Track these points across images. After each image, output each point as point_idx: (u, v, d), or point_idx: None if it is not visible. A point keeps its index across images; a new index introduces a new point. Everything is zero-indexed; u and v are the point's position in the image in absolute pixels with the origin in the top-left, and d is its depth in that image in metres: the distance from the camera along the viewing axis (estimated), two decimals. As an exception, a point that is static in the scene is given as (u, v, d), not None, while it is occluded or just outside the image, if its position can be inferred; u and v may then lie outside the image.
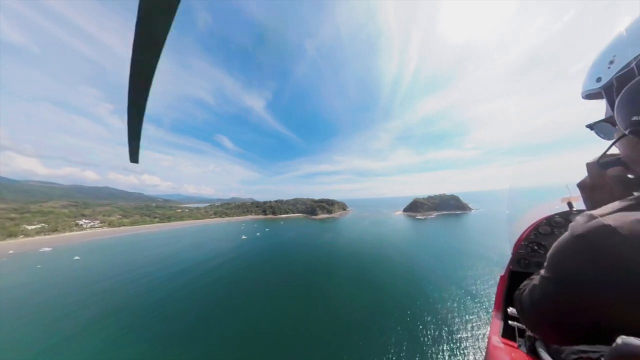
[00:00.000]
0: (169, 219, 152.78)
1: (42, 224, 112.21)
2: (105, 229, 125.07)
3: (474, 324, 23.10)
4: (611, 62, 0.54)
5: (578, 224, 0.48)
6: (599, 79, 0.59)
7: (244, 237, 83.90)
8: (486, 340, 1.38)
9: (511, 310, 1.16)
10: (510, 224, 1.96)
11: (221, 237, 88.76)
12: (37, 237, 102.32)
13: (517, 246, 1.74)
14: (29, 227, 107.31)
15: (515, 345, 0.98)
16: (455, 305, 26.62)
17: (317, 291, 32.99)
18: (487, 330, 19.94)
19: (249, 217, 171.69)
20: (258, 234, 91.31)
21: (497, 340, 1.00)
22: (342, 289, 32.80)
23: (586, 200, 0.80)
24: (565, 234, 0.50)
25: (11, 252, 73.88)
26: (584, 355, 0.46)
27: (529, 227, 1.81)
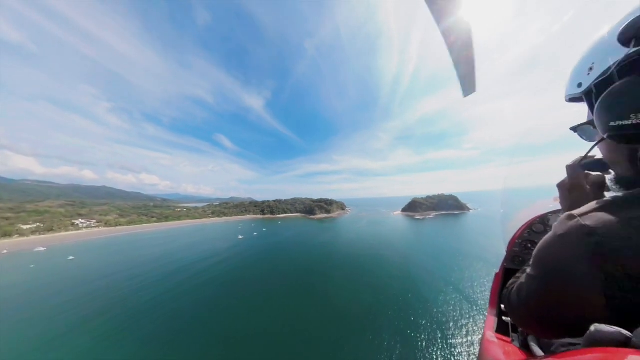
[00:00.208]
0: (166, 218, 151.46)
1: (38, 224, 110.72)
2: (102, 229, 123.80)
3: (469, 329, 22.68)
4: (590, 69, 0.56)
5: (559, 223, 0.50)
6: (579, 85, 0.61)
7: (240, 237, 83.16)
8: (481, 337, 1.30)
9: None
10: (504, 222, 1.97)
11: (218, 236, 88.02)
12: (32, 237, 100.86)
13: (512, 244, 1.77)
14: (24, 227, 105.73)
15: (509, 340, 1.00)
16: (450, 308, 26.28)
17: (314, 291, 32.67)
18: (481, 335, 19.22)
19: (247, 216, 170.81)
20: (255, 233, 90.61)
21: (491, 335, 1.03)
22: (339, 289, 32.49)
23: (563, 200, 0.83)
24: (549, 234, 0.52)
25: (5, 252, 72.87)
26: (571, 348, 0.50)
27: (522, 226, 1.83)
